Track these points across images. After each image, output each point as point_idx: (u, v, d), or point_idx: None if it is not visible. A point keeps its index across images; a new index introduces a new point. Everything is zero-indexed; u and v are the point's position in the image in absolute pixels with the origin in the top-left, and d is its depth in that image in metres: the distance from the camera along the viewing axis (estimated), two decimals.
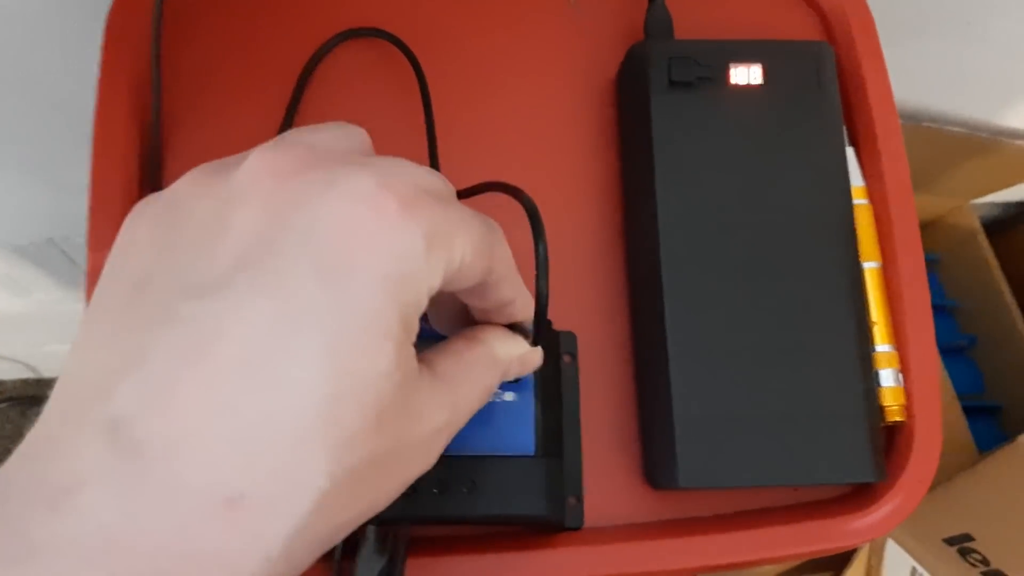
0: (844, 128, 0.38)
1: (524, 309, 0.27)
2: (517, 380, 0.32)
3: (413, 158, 0.24)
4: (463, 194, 0.31)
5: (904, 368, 0.36)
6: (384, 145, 0.37)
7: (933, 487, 0.74)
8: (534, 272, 0.26)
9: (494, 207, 0.27)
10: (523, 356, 0.28)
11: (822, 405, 0.34)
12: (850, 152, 0.38)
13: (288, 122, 0.38)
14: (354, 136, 0.25)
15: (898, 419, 0.35)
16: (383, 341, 0.20)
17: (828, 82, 0.37)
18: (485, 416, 0.31)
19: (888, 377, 0.35)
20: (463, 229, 0.23)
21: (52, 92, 0.50)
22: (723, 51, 0.37)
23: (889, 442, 0.36)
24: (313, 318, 0.19)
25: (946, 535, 0.70)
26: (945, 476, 0.72)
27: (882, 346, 0.36)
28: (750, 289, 0.35)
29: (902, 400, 0.35)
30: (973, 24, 0.57)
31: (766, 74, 0.37)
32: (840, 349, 0.34)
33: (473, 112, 0.39)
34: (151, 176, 0.37)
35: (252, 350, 0.19)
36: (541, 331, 0.28)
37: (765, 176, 0.36)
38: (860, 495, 0.35)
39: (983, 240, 0.91)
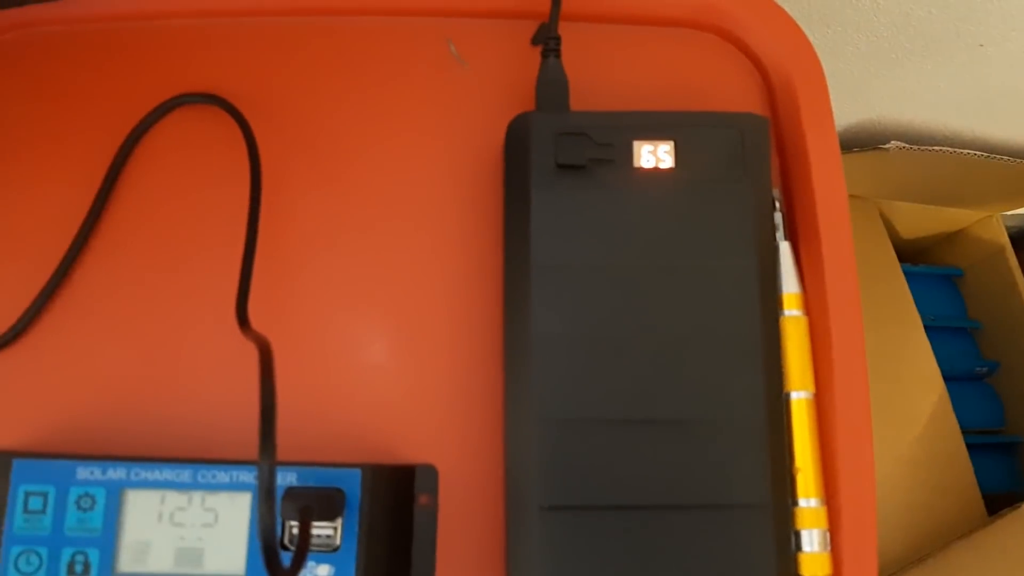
0: (780, 219, 0.31)
1: None
2: (335, 549, 0.26)
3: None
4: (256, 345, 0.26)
5: (834, 528, 0.29)
6: (203, 226, 0.31)
7: (925, 557, 0.66)
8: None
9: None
10: None
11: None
12: (785, 250, 0.31)
13: (105, 191, 0.32)
14: None
15: None
16: None
17: (757, 164, 0.30)
18: None
19: (811, 540, 0.29)
20: None
21: None
22: (627, 125, 0.30)
23: None
24: None
25: None
26: (941, 539, 0.65)
27: (806, 500, 0.29)
28: (641, 427, 0.28)
29: (828, 570, 0.28)
30: (986, 46, 0.50)
31: (679, 154, 0.30)
32: (749, 504, 0.28)
33: (327, 190, 0.33)
34: None
35: None
36: None
37: (671, 285, 0.29)
38: None
39: (1011, 256, 0.83)
